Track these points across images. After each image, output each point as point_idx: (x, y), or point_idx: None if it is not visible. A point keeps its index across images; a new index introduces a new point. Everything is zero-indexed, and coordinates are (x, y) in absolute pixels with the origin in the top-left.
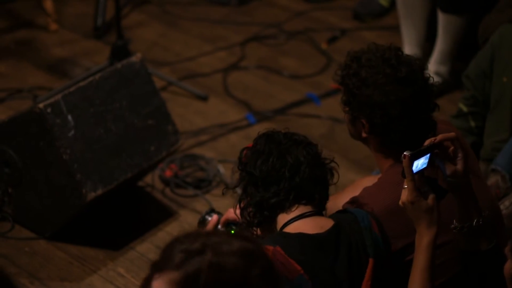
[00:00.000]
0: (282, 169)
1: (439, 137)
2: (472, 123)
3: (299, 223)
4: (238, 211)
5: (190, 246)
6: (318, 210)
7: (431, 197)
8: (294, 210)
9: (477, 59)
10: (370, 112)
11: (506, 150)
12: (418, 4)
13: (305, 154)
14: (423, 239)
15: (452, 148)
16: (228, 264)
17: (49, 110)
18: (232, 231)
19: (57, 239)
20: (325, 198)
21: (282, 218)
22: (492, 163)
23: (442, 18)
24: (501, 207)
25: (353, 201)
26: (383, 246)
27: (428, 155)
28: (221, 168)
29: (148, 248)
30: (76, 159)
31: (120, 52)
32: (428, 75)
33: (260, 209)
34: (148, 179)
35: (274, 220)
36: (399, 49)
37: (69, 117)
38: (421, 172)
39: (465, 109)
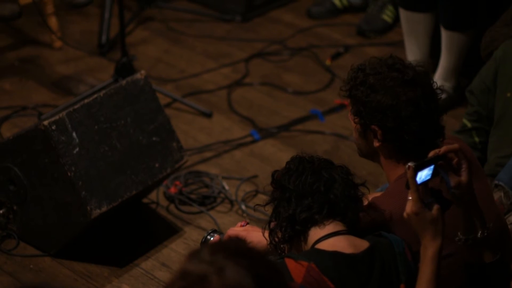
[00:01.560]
0: (317, 183)
1: (443, 148)
2: (476, 139)
3: (333, 240)
4: (266, 234)
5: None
6: (350, 229)
7: (435, 208)
8: (328, 226)
9: (480, 74)
10: (382, 116)
11: (509, 165)
12: (422, 20)
13: (339, 172)
14: (428, 251)
15: (456, 159)
16: None
17: (53, 127)
18: None
19: (62, 256)
20: (357, 218)
21: (315, 234)
22: (495, 178)
23: (445, 35)
24: None
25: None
26: (415, 273)
27: (432, 167)
28: (226, 185)
29: (152, 265)
30: (80, 176)
31: (124, 69)
32: (432, 80)
33: (291, 223)
34: (152, 196)
35: (305, 236)
36: (399, 58)
37: (74, 134)
38: (425, 183)
39: (469, 124)
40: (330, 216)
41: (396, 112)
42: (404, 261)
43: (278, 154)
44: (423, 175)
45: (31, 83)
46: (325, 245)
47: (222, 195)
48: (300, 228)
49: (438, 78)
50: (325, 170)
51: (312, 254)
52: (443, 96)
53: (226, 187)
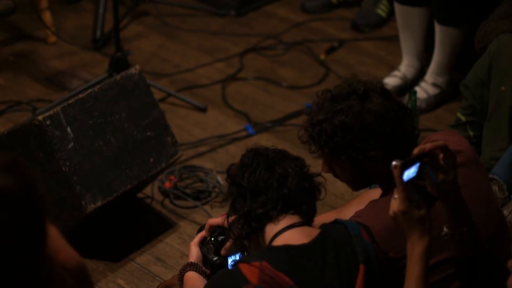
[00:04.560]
0: (270, 179)
1: (429, 145)
2: (471, 133)
3: (287, 234)
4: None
5: None
6: (306, 220)
7: (423, 206)
8: (282, 221)
9: (475, 68)
10: (375, 137)
11: (504, 159)
12: (417, 14)
13: (293, 166)
14: (416, 249)
15: (441, 156)
16: None
17: (48, 122)
18: (213, 239)
19: None
20: (313, 210)
21: (270, 230)
22: (490, 172)
23: (439, 30)
24: None
25: (359, 215)
26: (374, 254)
27: (418, 164)
28: (220, 179)
29: (147, 259)
30: (75, 171)
31: (119, 64)
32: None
33: (248, 220)
34: (147, 190)
35: (262, 232)
36: (331, 88)
37: (68, 129)
38: (411, 181)
39: (463, 118)
40: (284, 210)
41: (383, 123)
42: (360, 242)
43: None
44: (410, 173)
45: (26, 78)
46: (279, 241)
47: (216, 189)
48: (256, 225)
49: (432, 73)
50: (279, 164)
51: (263, 253)
52: (437, 91)
53: (221, 182)
